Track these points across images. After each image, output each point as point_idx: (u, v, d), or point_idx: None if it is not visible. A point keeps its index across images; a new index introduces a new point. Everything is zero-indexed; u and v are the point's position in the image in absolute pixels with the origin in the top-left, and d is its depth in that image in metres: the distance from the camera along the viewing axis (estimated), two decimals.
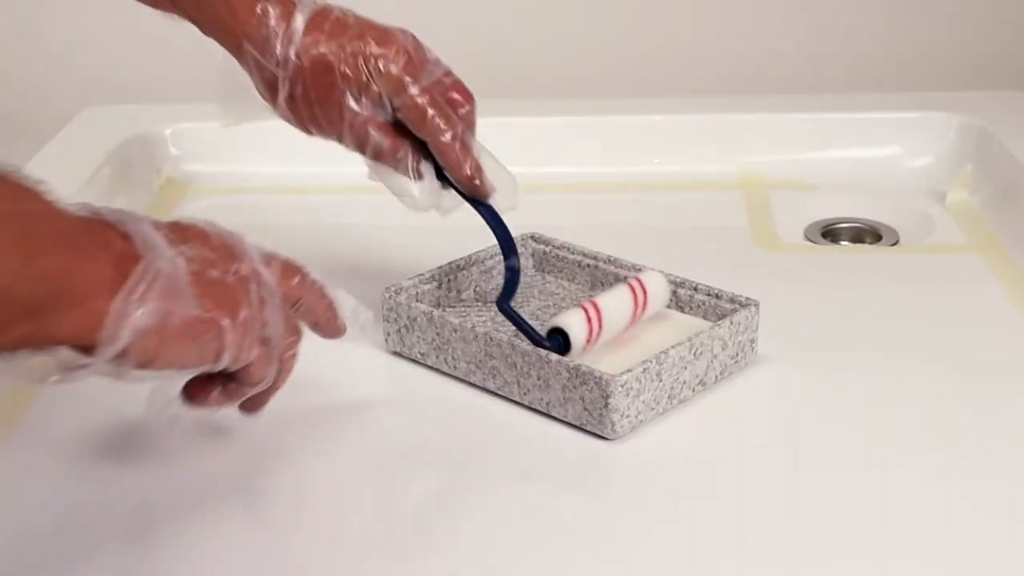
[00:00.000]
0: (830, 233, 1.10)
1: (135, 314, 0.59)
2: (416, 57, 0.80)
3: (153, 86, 1.53)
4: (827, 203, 1.13)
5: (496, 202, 0.83)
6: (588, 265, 0.92)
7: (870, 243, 1.09)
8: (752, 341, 0.84)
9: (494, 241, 0.86)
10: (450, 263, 0.90)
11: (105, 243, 0.60)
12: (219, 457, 0.77)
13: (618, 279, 0.89)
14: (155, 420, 0.71)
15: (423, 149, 0.81)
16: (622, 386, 0.74)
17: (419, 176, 0.81)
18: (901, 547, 0.67)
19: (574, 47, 1.48)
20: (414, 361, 0.85)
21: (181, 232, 0.66)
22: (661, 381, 0.77)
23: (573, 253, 0.93)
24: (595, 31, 1.48)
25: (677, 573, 0.66)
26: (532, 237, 0.95)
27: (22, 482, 0.75)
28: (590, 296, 0.85)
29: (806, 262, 1.03)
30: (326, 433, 0.79)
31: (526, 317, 0.83)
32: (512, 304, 0.83)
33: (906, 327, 0.91)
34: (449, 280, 0.90)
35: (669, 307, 0.87)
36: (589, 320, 0.80)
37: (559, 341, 0.79)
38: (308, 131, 0.82)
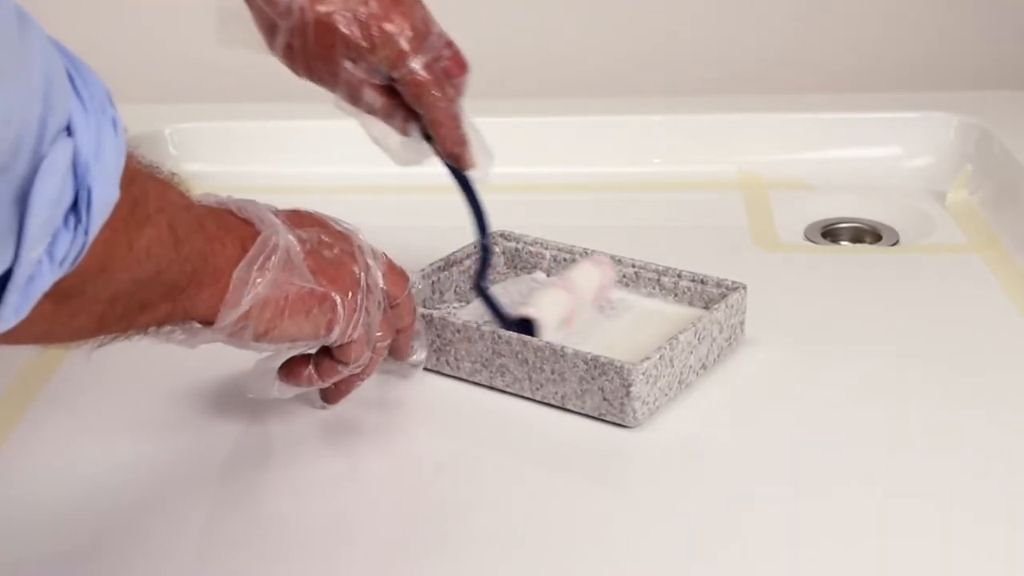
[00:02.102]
0: (830, 233, 1.10)
1: (256, 282, 0.65)
2: (421, 29, 0.80)
3: (153, 86, 1.53)
4: (827, 203, 1.13)
5: (473, 174, 0.85)
6: (564, 259, 0.93)
7: (870, 243, 1.09)
8: (741, 323, 0.86)
9: (471, 240, 0.89)
10: (431, 264, 0.90)
11: (229, 226, 0.65)
12: (218, 471, 0.77)
13: None
14: (253, 396, 0.76)
15: (413, 111, 0.82)
16: (643, 374, 0.76)
17: (405, 134, 0.83)
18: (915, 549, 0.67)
19: (573, 47, 1.48)
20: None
21: (299, 218, 0.72)
22: (673, 367, 0.79)
23: (548, 248, 0.94)
24: (595, 31, 1.48)
25: (733, 553, 0.67)
26: (502, 235, 0.95)
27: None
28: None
29: (806, 262, 1.03)
30: (336, 441, 0.79)
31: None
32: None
33: (906, 326, 0.91)
34: (432, 282, 0.90)
35: (654, 295, 0.89)
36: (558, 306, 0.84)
37: (529, 327, 0.82)
38: (300, 76, 0.83)
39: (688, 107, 1.27)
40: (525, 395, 0.81)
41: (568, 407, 0.79)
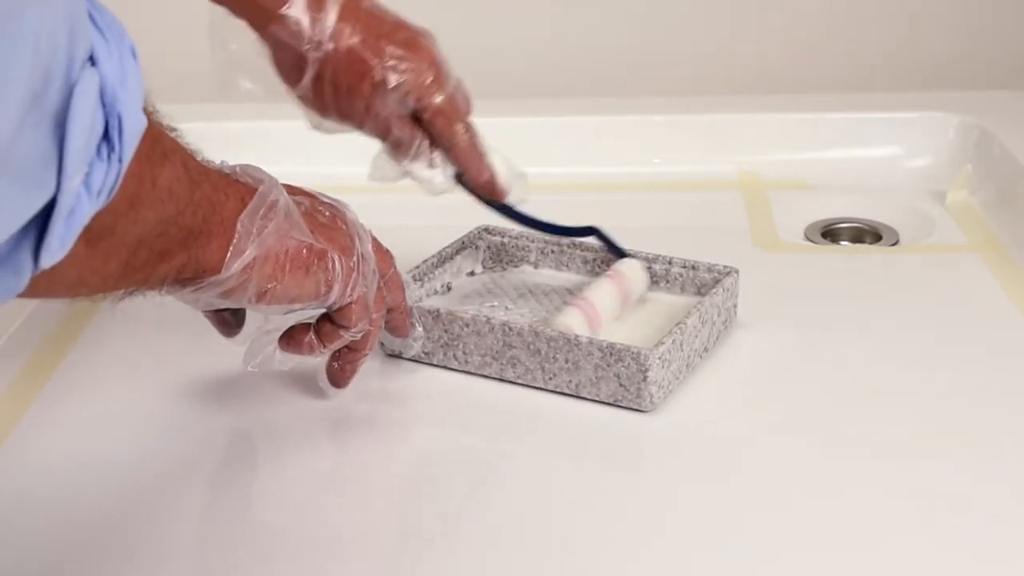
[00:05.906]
0: (830, 233, 1.10)
1: (260, 230, 0.66)
2: (442, 67, 0.83)
3: (153, 86, 1.53)
4: (827, 203, 1.14)
5: (510, 200, 0.88)
6: (552, 251, 0.94)
7: (870, 243, 1.09)
8: (734, 307, 0.88)
9: (458, 235, 0.92)
10: (425, 261, 0.90)
11: (229, 181, 0.66)
12: (222, 469, 0.77)
13: (584, 262, 0.92)
14: (253, 368, 0.76)
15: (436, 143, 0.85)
16: (659, 358, 0.77)
17: (434, 164, 0.85)
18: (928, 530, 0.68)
19: (573, 48, 1.48)
20: (416, 361, 0.85)
21: (289, 189, 0.72)
22: (683, 351, 0.80)
23: (533, 242, 0.94)
24: (595, 31, 1.48)
25: (771, 532, 0.69)
26: (486, 230, 0.96)
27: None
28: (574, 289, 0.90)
29: (806, 262, 1.03)
30: (354, 438, 0.80)
31: (511, 308, 0.89)
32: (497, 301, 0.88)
33: (906, 326, 0.91)
34: (427, 278, 0.90)
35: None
36: (588, 317, 0.83)
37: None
38: (322, 115, 0.84)
39: (688, 107, 1.28)
40: (537, 385, 0.81)
41: (582, 395, 0.80)
